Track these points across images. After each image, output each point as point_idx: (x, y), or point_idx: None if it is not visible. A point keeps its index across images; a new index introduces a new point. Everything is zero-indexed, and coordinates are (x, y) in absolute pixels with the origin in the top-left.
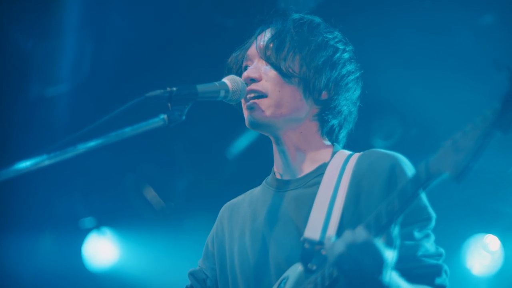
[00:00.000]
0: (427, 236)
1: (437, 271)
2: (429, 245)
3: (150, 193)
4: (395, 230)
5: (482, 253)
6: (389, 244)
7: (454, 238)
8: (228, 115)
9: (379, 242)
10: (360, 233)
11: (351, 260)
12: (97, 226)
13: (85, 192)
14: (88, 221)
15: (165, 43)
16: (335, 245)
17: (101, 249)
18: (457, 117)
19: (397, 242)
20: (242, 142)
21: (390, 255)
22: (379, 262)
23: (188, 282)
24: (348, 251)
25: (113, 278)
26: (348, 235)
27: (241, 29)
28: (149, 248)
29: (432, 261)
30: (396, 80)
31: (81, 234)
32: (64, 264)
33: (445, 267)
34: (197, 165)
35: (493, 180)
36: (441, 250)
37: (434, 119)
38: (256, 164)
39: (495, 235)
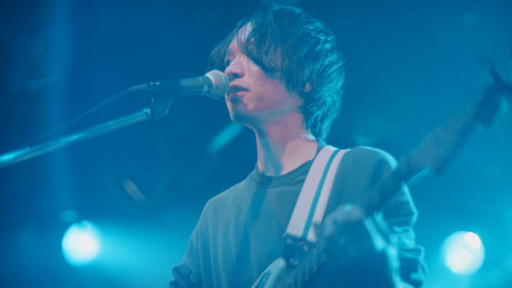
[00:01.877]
0: (406, 231)
1: (413, 265)
2: (408, 240)
3: (131, 187)
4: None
5: (462, 251)
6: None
7: (434, 236)
8: (210, 110)
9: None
10: (354, 212)
11: (347, 238)
12: (78, 220)
13: (66, 186)
14: (68, 215)
15: (148, 38)
16: (325, 226)
17: (82, 243)
18: (439, 114)
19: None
20: (224, 137)
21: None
22: (373, 244)
23: (172, 278)
24: (341, 230)
25: (93, 272)
26: (338, 215)
27: (224, 24)
28: (130, 242)
29: (409, 255)
30: (377, 75)
31: (62, 228)
32: (44, 258)
33: (422, 263)
34: (178, 160)
35: (473, 177)
36: (420, 247)
37: (416, 116)
38: (238, 159)
39: (475, 233)
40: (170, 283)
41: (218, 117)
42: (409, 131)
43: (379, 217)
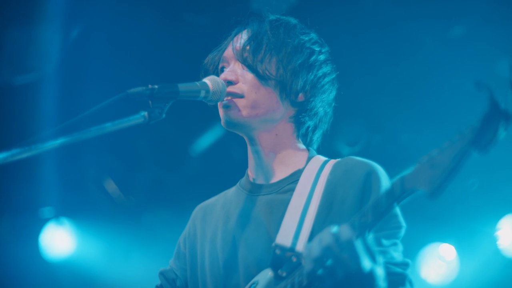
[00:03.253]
0: (394, 244)
1: (401, 280)
2: (396, 254)
3: (111, 186)
4: (379, 248)
5: (438, 262)
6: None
7: (409, 247)
8: (194, 112)
9: (360, 244)
10: (343, 232)
11: (334, 259)
12: (56, 216)
13: (45, 182)
14: (47, 211)
15: (137, 39)
16: (313, 247)
17: (58, 240)
18: (420, 125)
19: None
20: (206, 140)
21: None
22: (359, 263)
23: (158, 282)
24: (327, 251)
25: (68, 268)
26: (325, 236)
27: (213, 27)
28: (107, 241)
29: (397, 269)
30: (360, 85)
31: (39, 224)
32: (20, 252)
33: (410, 277)
34: (160, 161)
35: (449, 189)
36: (408, 260)
37: (398, 126)
38: (220, 163)
39: (450, 244)
40: (156, 286)
41: (201, 119)
42: (391, 141)
43: (369, 236)
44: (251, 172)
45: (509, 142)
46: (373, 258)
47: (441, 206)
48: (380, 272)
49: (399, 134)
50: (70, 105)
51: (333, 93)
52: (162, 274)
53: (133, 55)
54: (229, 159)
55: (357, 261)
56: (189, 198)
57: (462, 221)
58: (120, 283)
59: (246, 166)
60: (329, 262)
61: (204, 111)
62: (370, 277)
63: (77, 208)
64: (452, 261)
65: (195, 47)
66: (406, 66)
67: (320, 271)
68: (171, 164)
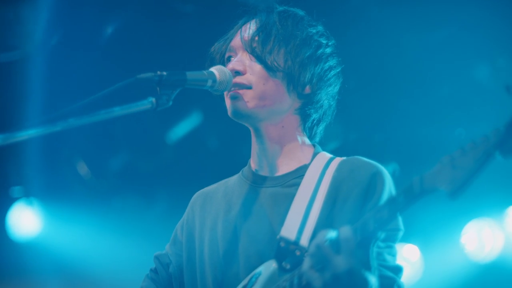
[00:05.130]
0: (389, 247)
1: (390, 284)
2: (389, 257)
3: (83, 168)
4: (376, 249)
5: (402, 263)
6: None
7: None
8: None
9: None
10: (344, 231)
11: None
12: (25, 196)
13: (16, 161)
14: (16, 190)
15: (123, 29)
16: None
17: (26, 219)
18: (395, 124)
19: (374, 263)
20: (183, 129)
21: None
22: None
23: (153, 265)
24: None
25: (34, 249)
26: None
27: (200, 14)
28: (75, 224)
29: (388, 273)
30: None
31: (8, 203)
32: None
33: (400, 282)
34: (134, 146)
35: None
36: (401, 265)
37: (373, 126)
38: (194, 152)
39: (414, 244)
40: (151, 269)
41: (179, 108)
42: (366, 140)
43: (372, 242)
44: (254, 163)
45: None
46: (368, 264)
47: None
48: (373, 281)
49: (374, 133)
50: (53, 84)
51: (338, 86)
52: (157, 258)
53: (118, 39)
54: (204, 150)
55: (350, 264)
56: (160, 185)
57: (426, 222)
58: (86, 265)
59: (221, 157)
60: (325, 262)
61: (182, 99)
62: (362, 283)
63: (48, 189)
64: (416, 261)
65: (181, 34)
66: (385, 65)
67: (316, 271)
68: (145, 151)
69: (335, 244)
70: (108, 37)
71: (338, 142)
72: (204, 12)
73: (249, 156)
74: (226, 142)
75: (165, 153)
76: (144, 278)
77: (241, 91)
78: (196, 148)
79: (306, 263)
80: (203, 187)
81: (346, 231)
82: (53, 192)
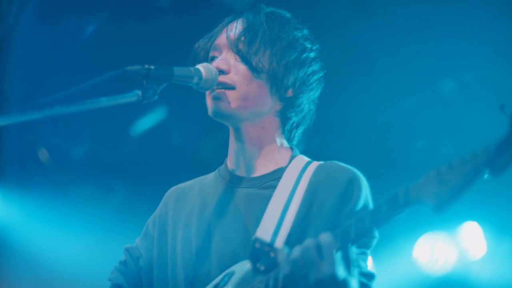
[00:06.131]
0: (363, 253)
1: None
2: (363, 264)
3: (44, 155)
4: (353, 256)
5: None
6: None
7: None
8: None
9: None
10: (324, 237)
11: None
12: None
13: None
14: None
15: (100, 23)
16: (292, 252)
17: None
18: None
19: (354, 268)
20: (147, 121)
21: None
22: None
23: (123, 257)
24: (306, 256)
25: None
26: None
27: (176, 9)
28: (29, 208)
29: (363, 279)
30: None
31: None
32: None
33: None
34: (97, 136)
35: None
36: (373, 272)
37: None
38: (157, 145)
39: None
40: (120, 261)
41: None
42: (328, 146)
43: (352, 247)
44: (230, 163)
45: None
46: (348, 269)
47: None
48: (354, 284)
49: (336, 140)
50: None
51: (319, 91)
52: (127, 250)
53: (94, 33)
54: (167, 145)
55: (333, 269)
56: (118, 178)
57: (379, 233)
58: (37, 251)
59: (183, 153)
60: (306, 267)
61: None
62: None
63: (4, 172)
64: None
65: (157, 29)
66: (351, 72)
67: (295, 276)
68: (108, 141)
69: (318, 250)
70: (84, 31)
71: (302, 146)
72: (180, 7)
73: (209, 154)
74: (189, 139)
75: (127, 146)
76: (113, 270)
77: (225, 91)
78: (159, 142)
79: (286, 267)
80: (162, 183)
81: (326, 237)
82: (9, 175)
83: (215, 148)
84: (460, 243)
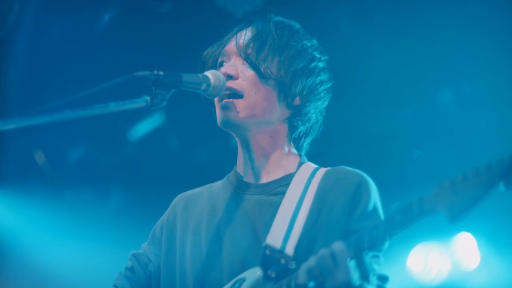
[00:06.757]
0: (376, 256)
1: None
2: (377, 266)
3: (41, 158)
4: (367, 260)
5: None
6: (362, 272)
7: None
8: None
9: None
10: (338, 246)
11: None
12: None
13: None
14: None
15: (102, 25)
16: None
17: None
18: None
19: (369, 274)
20: (145, 127)
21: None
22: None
23: (128, 263)
24: (322, 261)
25: None
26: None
27: (177, 14)
28: (25, 213)
29: (378, 283)
30: None
31: None
32: None
33: None
34: (94, 140)
35: None
36: (387, 275)
37: (330, 139)
38: (154, 151)
39: None
40: (126, 268)
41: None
42: (323, 154)
43: (368, 255)
44: (240, 169)
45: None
46: (363, 276)
47: None
48: None
49: (331, 148)
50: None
51: (326, 102)
52: (134, 256)
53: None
54: (164, 151)
55: (348, 276)
56: (115, 182)
57: None
58: (34, 255)
59: (180, 159)
60: (322, 275)
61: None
62: None
63: (0, 176)
64: None
65: (158, 34)
66: (348, 81)
67: (311, 284)
68: (105, 146)
69: (333, 258)
70: (86, 34)
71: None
72: (181, 12)
73: (207, 159)
74: (187, 144)
75: (124, 150)
76: (118, 276)
77: (234, 101)
78: (156, 147)
79: (302, 276)
80: (159, 188)
81: (340, 246)
82: (5, 178)
83: (212, 153)
84: (454, 254)
